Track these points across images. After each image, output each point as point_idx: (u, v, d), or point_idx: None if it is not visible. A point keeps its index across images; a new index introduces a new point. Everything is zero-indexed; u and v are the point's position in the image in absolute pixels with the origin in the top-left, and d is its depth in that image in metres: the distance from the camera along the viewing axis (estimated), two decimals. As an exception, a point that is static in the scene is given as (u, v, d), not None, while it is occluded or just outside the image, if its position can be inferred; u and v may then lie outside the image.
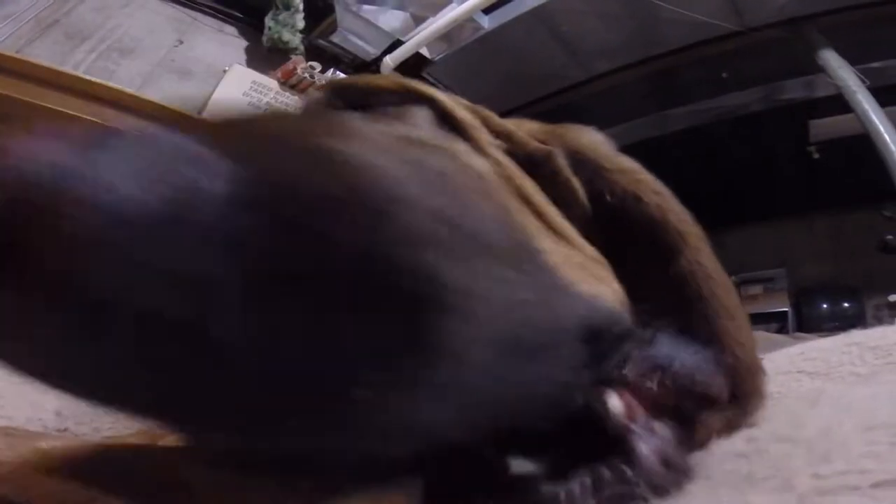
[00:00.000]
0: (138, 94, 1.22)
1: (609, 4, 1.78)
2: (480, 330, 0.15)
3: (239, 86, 1.75)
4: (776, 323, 2.91)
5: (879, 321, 2.82)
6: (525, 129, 0.33)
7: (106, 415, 0.32)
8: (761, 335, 1.28)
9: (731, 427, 0.27)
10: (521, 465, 0.19)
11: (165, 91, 1.71)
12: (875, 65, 1.71)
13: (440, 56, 2.08)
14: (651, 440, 0.21)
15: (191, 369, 0.13)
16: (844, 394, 0.30)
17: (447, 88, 2.30)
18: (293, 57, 1.86)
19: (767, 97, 1.90)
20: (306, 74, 1.80)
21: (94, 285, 0.13)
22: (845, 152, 1.94)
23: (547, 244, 0.23)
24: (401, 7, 1.98)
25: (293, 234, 0.13)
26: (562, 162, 0.30)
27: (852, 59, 1.67)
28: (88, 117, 1.12)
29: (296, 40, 1.89)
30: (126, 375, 0.14)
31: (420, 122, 0.28)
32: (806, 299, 3.04)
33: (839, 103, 1.72)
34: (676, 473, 0.21)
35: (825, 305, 3.04)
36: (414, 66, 2.14)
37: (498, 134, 0.30)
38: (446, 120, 0.28)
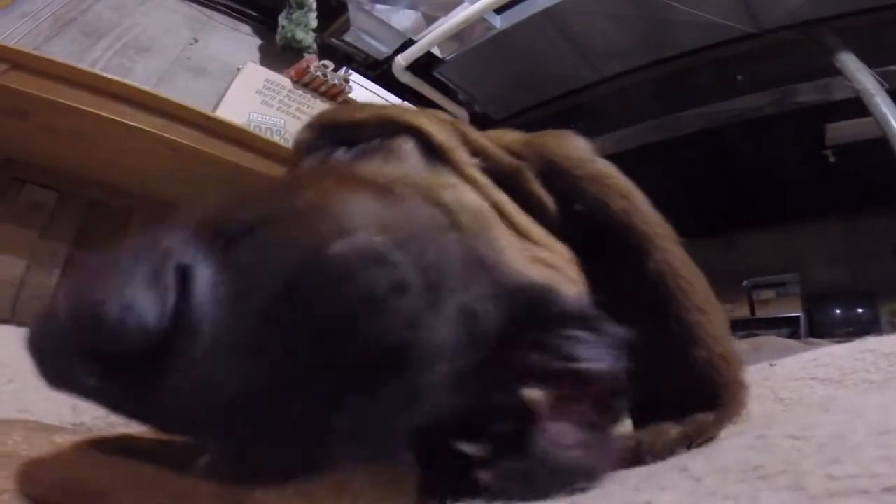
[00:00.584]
0: (155, 91, 1.23)
1: (621, 6, 1.76)
2: (435, 358, 0.19)
3: (252, 84, 1.76)
4: (788, 328, 2.85)
5: (894, 327, 2.79)
6: (505, 140, 0.35)
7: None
8: (774, 340, 1.26)
9: (714, 427, 0.29)
10: (468, 448, 0.22)
11: (181, 89, 1.72)
12: (893, 68, 1.68)
13: (451, 55, 2.08)
14: (555, 433, 0.22)
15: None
16: (857, 400, 0.30)
17: (458, 88, 2.30)
18: (306, 55, 1.87)
19: (782, 100, 1.87)
20: (319, 73, 1.81)
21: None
22: (861, 156, 1.91)
23: (506, 241, 0.27)
24: (413, 6, 1.98)
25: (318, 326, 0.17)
26: (528, 175, 0.33)
27: (869, 63, 1.65)
28: (106, 114, 1.14)
29: (309, 39, 1.90)
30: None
31: (406, 157, 0.31)
32: (819, 304, 2.97)
33: (855, 106, 1.69)
34: (575, 469, 0.22)
35: (838, 311, 2.97)
36: (425, 65, 2.14)
37: (475, 151, 0.32)
38: (429, 147, 0.31)
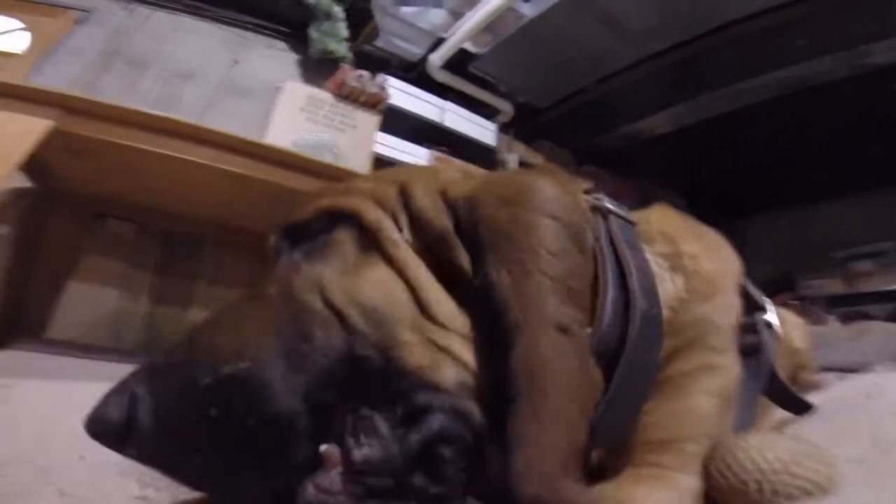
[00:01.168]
0: (200, 123, 1.27)
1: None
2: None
3: (295, 102, 1.79)
4: (892, 303, 2.44)
5: None
6: (457, 190, 0.37)
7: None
8: (883, 327, 1.13)
9: None
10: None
11: (229, 111, 1.77)
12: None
13: (486, 49, 2.03)
14: (325, 481, 0.30)
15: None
16: None
17: (497, 81, 2.24)
18: (342, 66, 1.87)
19: (853, 62, 1.69)
20: (355, 84, 1.81)
21: None
22: None
23: (410, 338, 0.32)
24: (438, 4, 1.94)
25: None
26: (453, 241, 0.35)
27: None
28: (156, 150, 1.18)
29: (342, 49, 1.90)
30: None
31: (339, 249, 0.36)
32: None
33: None
34: None
35: None
36: (461, 61, 2.10)
37: (411, 219, 0.36)
38: (366, 232, 0.36)
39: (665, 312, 0.38)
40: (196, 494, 0.34)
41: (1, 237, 1.29)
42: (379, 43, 2.01)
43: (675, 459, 0.35)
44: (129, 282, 1.50)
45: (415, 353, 0.31)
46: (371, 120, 1.90)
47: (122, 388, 0.31)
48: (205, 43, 1.90)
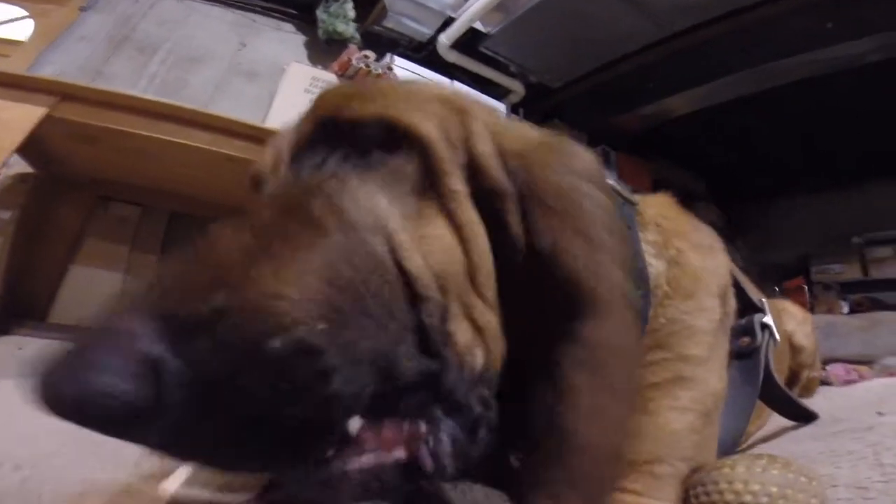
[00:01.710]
0: (201, 109, 1.25)
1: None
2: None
3: (300, 84, 1.76)
4: None
5: None
6: (516, 145, 0.32)
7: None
8: (894, 319, 1.08)
9: None
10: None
11: (236, 94, 1.76)
12: None
13: (497, 28, 1.96)
14: (350, 461, 0.26)
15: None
16: None
17: (508, 61, 2.17)
18: (348, 46, 1.84)
19: (888, 45, 1.59)
20: (361, 64, 1.77)
21: None
22: None
23: (456, 312, 0.28)
24: (446, -17, 1.88)
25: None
26: (510, 206, 0.31)
27: None
28: (159, 135, 1.18)
29: (350, 29, 1.86)
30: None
31: (400, 182, 0.30)
32: None
33: None
34: (359, 486, 0.26)
35: None
36: (471, 41, 2.04)
37: (472, 165, 0.31)
38: (428, 166, 0.30)
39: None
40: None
41: (4, 222, 1.30)
42: (387, 23, 1.95)
43: (645, 484, 0.32)
44: (134, 265, 1.51)
45: (460, 332, 0.28)
46: (378, 102, 1.87)
47: (123, 348, 0.21)
48: (213, 27, 1.88)
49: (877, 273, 2.62)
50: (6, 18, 1.66)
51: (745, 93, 2.04)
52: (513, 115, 2.29)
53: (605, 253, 0.29)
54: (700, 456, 0.34)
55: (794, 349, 0.71)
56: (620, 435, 0.28)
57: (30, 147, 1.07)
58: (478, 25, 1.93)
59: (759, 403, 0.47)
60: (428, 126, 0.31)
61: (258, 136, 1.26)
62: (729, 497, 0.30)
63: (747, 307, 0.46)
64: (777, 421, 0.52)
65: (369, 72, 1.79)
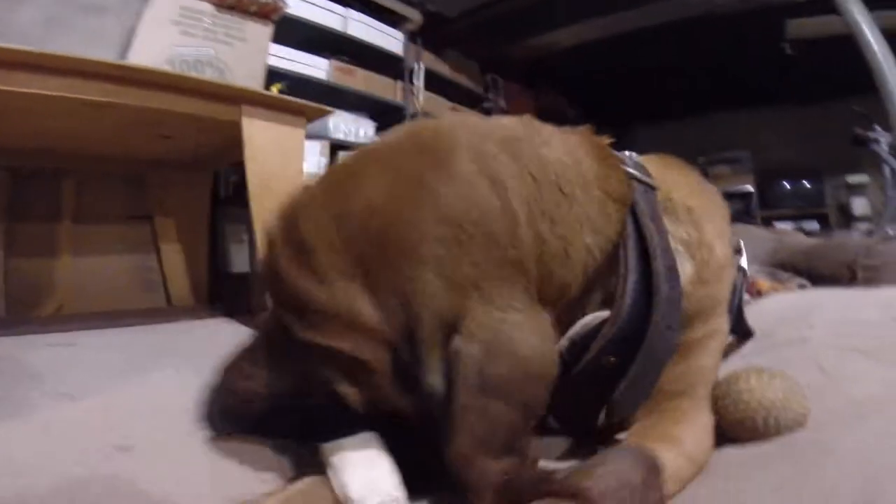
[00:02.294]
0: (38, 50, 1.01)
1: None
2: None
3: (165, 15, 1.49)
4: (741, 201, 3.05)
5: (837, 200, 3.12)
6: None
7: None
8: (747, 231, 1.32)
9: None
10: None
11: (81, 31, 1.43)
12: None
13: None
14: None
15: None
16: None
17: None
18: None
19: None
20: (243, -9, 1.54)
21: None
22: (819, 50, 1.98)
23: None
24: None
25: None
26: None
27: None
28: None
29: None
30: None
31: None
32: (769, 179, 3.20)
33: (817, 6, 1.68)
34: None
35: (787, 185, 3.22)
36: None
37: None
38: None
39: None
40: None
41: None
42: (270, -59, 1.69)
43: (690, 403, 0.41)
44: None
45: None
46: (263, 31, 1.67)
47: None
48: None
49: (718, 188, 3.30)
50: None
51: (620, 31, 2.21)
52: (410, 45, 2.22)
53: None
54: (723, 378, 0.44)
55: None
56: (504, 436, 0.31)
57: None
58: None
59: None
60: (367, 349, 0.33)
61: (118, 74, 1.07)
62: (753, 404, 0.40)
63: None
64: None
65: (255, 0, 1.57)
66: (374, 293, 0.32)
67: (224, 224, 2.01)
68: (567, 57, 2.53)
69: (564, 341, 0.37)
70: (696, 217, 0.43)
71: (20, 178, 1.37)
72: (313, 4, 1.79)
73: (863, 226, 2.83)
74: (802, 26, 1.97)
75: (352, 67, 2.08)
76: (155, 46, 1.51)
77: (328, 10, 1.86)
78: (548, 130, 0.39)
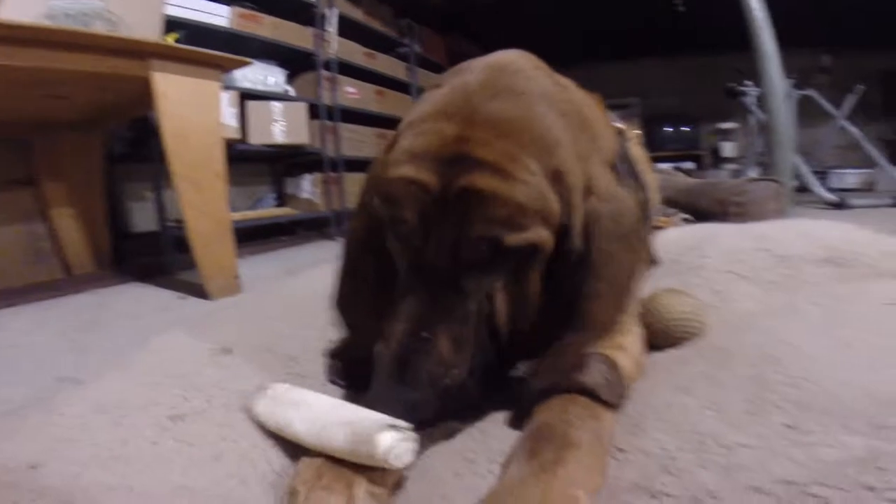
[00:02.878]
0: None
1: None
2: None
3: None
4: None
5: (710, 143, 3.55)
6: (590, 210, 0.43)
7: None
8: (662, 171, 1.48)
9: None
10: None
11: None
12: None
13: None
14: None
15: None
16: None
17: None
18: None
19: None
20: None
21: None
22: (704, 8, 2.18)
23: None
24: None
25: None
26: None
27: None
28: None
29: None
30: None
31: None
32: (654, 124, 3.55)
33: None
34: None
35: (670, 129, 3.62)
36: None
37: (564, 226, 0.42)
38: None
39: None
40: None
41: None
42: None
43: (628, 318, 0.48)
44: None
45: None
46: (158, -22, 1.49)
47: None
48: None
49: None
50: None
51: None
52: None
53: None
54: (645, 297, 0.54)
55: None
56: (629, 280, 0.43)
57: None
58: None
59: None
60: (546, 235, 0.39)
61: (5, 35, 0.94)
62: (667, 317, 0.51)
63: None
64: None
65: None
66: (552, 182, 0.39)
67: (122, 183, 1.84)
68: (482, 7, 2.54)
69: None
70: (640, 159, 0.56)
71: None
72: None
73: (730, 166, 3.26)
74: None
75: (257, 14, 1.95)
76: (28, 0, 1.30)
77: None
78: (580, 94, 0.50)
